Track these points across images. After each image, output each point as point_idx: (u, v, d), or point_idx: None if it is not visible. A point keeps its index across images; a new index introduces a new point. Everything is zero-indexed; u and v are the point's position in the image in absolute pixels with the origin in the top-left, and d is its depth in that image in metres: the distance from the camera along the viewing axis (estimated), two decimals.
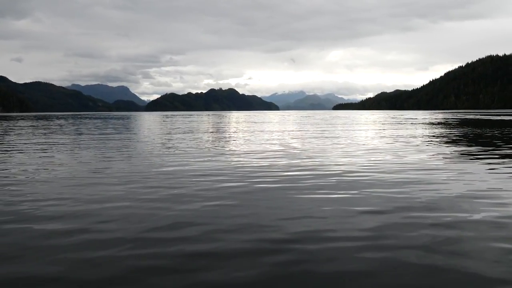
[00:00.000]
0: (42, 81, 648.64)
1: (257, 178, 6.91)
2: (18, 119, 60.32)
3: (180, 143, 14.68)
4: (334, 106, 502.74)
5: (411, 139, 15.44)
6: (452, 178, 6.83)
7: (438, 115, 66.45)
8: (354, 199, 5.30)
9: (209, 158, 9.99)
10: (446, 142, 13.97)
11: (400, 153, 10.70)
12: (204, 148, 12.53)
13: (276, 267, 3.15)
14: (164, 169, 8.03)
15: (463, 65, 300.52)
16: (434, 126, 27.65)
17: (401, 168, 7.90)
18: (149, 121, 48.10)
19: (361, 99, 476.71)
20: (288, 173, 7.48)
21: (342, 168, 8.04)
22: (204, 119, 53.34)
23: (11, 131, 24.41)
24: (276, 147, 12.63)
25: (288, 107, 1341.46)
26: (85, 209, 4.87)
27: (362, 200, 5.22)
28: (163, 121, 47.10)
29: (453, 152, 10.80)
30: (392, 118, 52.14)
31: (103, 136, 18.87)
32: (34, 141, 15.99)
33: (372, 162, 8.94)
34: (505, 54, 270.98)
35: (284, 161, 9.19)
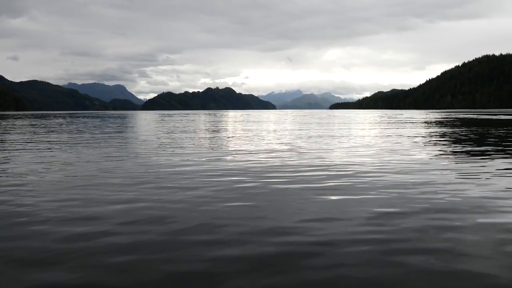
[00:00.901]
0: (38, 79, 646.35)
1: (272, 178, 6.84)
2: (16, 118, 59.97)
3: (186, 142, 14.59)
4: (331, 106, 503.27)
5: (417, 139, 15.41)
6: (467, 178, 6.79)
7: (436, 115, 66.71)
8: (374, 200, 5.24)
9: (219, 157, 9.93)
10: (453, 142, 13.92)
11: (410, 152, 10.66)
12: (212, 147, 12.47)
13: (307, 271, 3.07)
14: (175, 169, 7.94)
15: (460, 65, 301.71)
16: (435, 125, 27.68)
17: (414, 168, 7.85)
18: (148, 120, 47.98)
19: (358, 98, 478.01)
20: (302, 173, 7.41)
21: (355, 168, 7.97)
22: (203, 118, 53.27)
23: (11, 130, 24.23)
24: (283, 147, 12.56)
25: (285, 106, 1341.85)
26: (104, 211, 4.76)
27: (382, 201, 5.16)
28: (163, 120, 46.99)
29: (462, 151, 10.76)
30: (392, 117, 52.24)
31: (105, 135, 18.76)
32: (37, 140, 15.89)
33: (384, 162, 8.88)
34: (501, 54, 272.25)
35: (294, 161, 9.13)
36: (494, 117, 48.10)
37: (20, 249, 3.54)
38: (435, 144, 13.15)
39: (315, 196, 5.49)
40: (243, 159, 9.59)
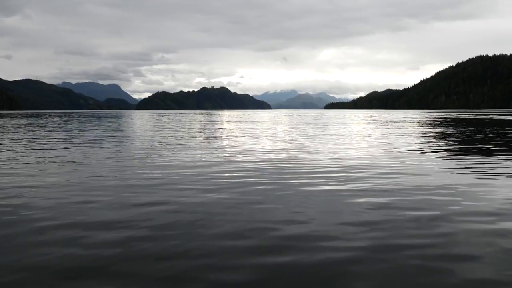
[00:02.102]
0: (32, 78, 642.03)
1: (292, 180, 6.72)
2: (11, 117, 59.62)
3: (192, 142, 14.51)
4: (326, 105, 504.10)
5: (425, 139, 15.47)
6: (489, 178, 6.76)
7: (433, 114, 66.87)
8: (406, 202, 5.14)
9: (230, 157, 9.81)
10: (460, 141, 13.94)
11: (425, 155, 10.69)
12: (220, 147, 12.37)
13: (355, 278, 2.98)
14: (191, 170, 7.82)
15: (454, 65, 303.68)
16: (437, 125, 27.81)
17: (433, 171, 7.87)
18: (146, 119, 47.75)
19: (352, 98, 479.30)
20: (321, 175, 7.30)
21: (376, 170, 7.89)
22: (202, 118, 53.20)
23: (11, 130, 24.21)
24: (290, 147, 12.48)
25: (280, 106, 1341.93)
26: (130, 214, 4.61)
27: (415, 204, 5.06)
28: (161, 119, 46.83)
29: (475, 151, 10.72)
30: (391, 117, 52.45)
31: (107, 134, 18.60)
32: (40, 139, 15.75)
33: (401, 164, 8.83)
34: (494, 54, 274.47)
35: (307, 162, 9.00)
36: (498, 116, 48.52)
37: (53, 257, 3.37)
38: (446, 145, 13.17)
39: (347, 200, 5.38)
40: (256, 159, 9.48)
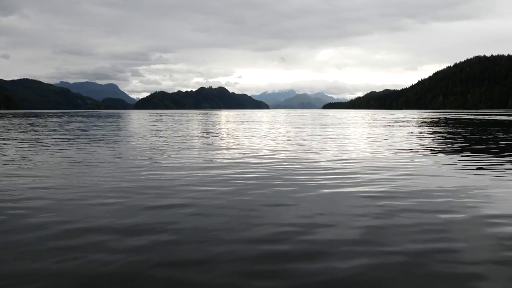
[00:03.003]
0: (30, 78, 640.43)
1: (308, 181, 6.67)
2: (9, 117, 59.41)
3: (199, 142, 14.48)
4: (324, 105, 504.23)
5: (433, 139, 15.45)
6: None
7: (433, 114, 66.91)
8: (428, 204, 5.09)
9: (242, 158, 9.73)
10: (471, 142, 13.91)
11: (437, 155, 10.67)
12: (229, 148, 12.30)
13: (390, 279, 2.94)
14: (205, 172, 7.75)
15: (451, 65, 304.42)
16: (441, 125, 27.81)
17: (450, 172, 7.85)
18: (146, 119, 47.51)
19: (350, 99, 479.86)
20: (335, 176, 7.24)
21: (391, 172, 7.85)
22: (201, 118, 53.09)
23: (13, 130, 24.13)
24: (300, 148, 12.45)
25: (278, 106, 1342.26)
26: (151, 219, 4.55)
27: (438, 206, 5.03)
28: (161, 119, 46.68)
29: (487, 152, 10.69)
30: (392, 117, 52.48)
31: (109, 134, 18.48)
32: (43, 138, 15.67)
33: (415, 165, 8.79)
34: (492, 55, 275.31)
35: (319, 163, 8.95)
36: (503, 117, 48.61)
37: (79, 263, 3.29)
38: (460, 146, 13.16)
39: (369, 201, 5.35)
40: (267, 160, 9.44)
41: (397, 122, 36.25)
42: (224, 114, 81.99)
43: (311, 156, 10.37)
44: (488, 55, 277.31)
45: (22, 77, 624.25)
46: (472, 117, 52.91)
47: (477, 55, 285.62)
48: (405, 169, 8.10)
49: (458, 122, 34.53)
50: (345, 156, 10.22)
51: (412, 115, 69.77)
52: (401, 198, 5.44)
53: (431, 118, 49.45)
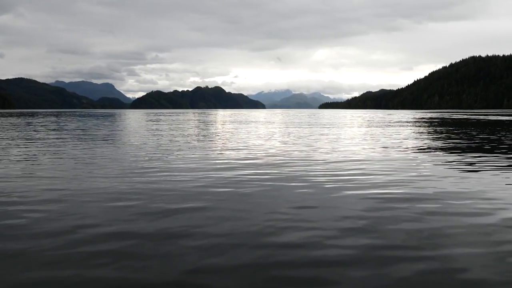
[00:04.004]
0: (25, 77, 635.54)
1: (327, 183, 6.62)
2: (6, 116, 59.01)
3: (205, 143, 14.41)
4: (320, 105, 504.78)
5: (439, 140, 15.45)
6: None
7: (431, 114, 67.23)
8: (449, 208, 5.05)
9: (253, 160, 9.65)
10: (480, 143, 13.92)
11: (448, 156, 10.64)
12: (238, 148, 12.22)
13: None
14: (217, 173, 7.68)
15: (447, 66, 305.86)
16: (444, 125, 27.85)
17: (464, 173, 7.82)
18: (143, 119, 47.29)
19: (347, 98, 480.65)
20: (349, 177, 7.18)
21: (406, 174, 7.82)
22: (200, 118, 52.94)
23: (13, 129, 23.99)
24: (306, 148, 12.41)
25: (274, 106, 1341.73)
26: (177, 223, 4.46)
27: (460, 208, 4.99)
28: (160, 119, 46.55)
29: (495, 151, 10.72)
30: (391, 117, 52.58)
31: (111, 133, 18.37)
32: (46, 138, 15.53)
33: (426, 166, 8.78)
34: (487, 55, 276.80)
35: (332, 164, 8.90)
36: (504, 117, 48.84)
37: (111, 269, 3.22)
38: (469, 147, 13.17)
39: (390, 203, 5.28)
40: (279, 160, 9.39)
41: (398, 122, 36.34)
42: (223, 114, 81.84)
43: (321, 157, 10.33)
44: (483, 55, 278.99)
45: (17, 76, 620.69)
46: (479, 117, 53.17)
47: (472, 55, 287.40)
48: (419, 170, 8.10)
49: (469, 123, 34.67)
50: (358, 157, 10.19)
51: (410, 115, 69.95)
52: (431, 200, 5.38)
53: (432, 118, 49.63)
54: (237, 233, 4.02)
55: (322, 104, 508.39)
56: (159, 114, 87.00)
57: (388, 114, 74.28)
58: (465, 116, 57.09)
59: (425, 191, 6.07)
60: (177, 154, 10.93)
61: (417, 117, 55.31)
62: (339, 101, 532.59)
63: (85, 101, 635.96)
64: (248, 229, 4.15)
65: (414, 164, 9.02)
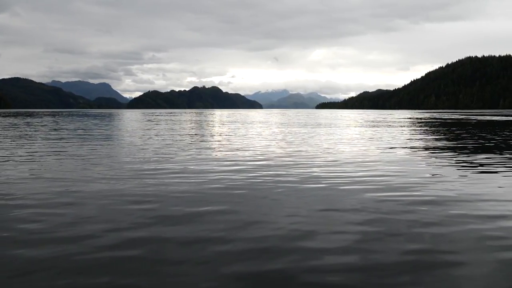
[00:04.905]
0: (21, 77, 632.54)
1: (342, 185, 6.57)
2: (4, 116, 58.62)
3: (210, 144, 14.30)
4: (317, 105, 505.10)
5: (443, 140, 15.40)
6: None
7: (429, 115, 67.31)
8: (460, 212, 5.02)
9: (263, 161, 9.59)
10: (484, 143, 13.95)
11: (453, 158, 10.58)
12: (245, 149, 12.14)
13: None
14: (233, 176, 7.60)
15: (443, 66, 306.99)
16: (445, 126, 27.84)
17: (472, 176, 7.80)
18: (142, 119, 47.11)
19: (343, 98, 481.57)
20: (356, 179, 7.14)
21: (414, 176, 7.79)
22: (199, 118, 52.79)
23: (13, 129, 23.80)
24: (313, 148, 12.33)
25: (271, 106, 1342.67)
26: (198, 227, 4.42)
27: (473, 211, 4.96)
28: (160, 119, 46.33)
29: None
30: (390, 117, 52.60)
31: (112, 133, 18.21)
32: (49, 138, 15.50)
33: (435, 168, 8.75)
34: (483, 56, 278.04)
35: (341, 166, 8.87)
36: (504, 118, 49.00)
37: (139, 276, 3.18)
38: (482, 148, 13.16)
39: (403, 206, 5.26)
40: (290, 162, 9.31)
41: (398, 122, 36.35)
42: (220, 114, 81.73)
43: (330, 157, 10.29)
44: (479, 55, 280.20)
45: (13, 76, 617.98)
46: (478, 117, 53.30)
47: (468, 55, 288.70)
48: (427, 173, 8.09)
49: (471, 124, 34.71)
50: (368, 158, 10.14)
51: (409, 115, 70.10)
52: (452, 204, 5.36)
53: (433, 118, 49.71)
54: (263, 237, 3.97)
55: (319, 104, 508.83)
56: (156, 114, 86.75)
57: (389, 114, 74.45)
58: (464, 116, 57.25)
59: (445, 194, 6.02)
60: (185, 155, 10.84)
61: (416, 117, 55.38)
62: (336, 101, 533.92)
63: (81, 101, 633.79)
64: (274, 233, 4.09)
65: (426, 165, 9.01)
